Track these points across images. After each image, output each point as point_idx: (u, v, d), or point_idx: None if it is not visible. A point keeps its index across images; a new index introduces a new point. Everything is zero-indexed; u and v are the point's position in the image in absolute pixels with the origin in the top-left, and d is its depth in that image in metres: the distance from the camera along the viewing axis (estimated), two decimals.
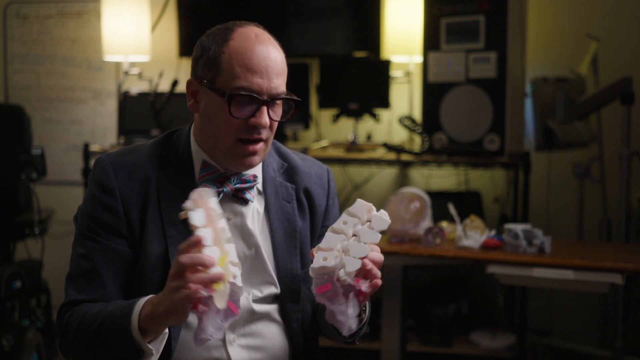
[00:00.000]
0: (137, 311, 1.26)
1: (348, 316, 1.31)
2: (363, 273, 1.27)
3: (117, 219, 1.39)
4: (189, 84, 1.43)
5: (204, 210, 1.23)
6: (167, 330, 1.29)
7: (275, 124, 1.41)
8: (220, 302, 1.18)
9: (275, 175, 1.51)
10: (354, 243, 1.29)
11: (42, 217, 3.13)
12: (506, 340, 3.25)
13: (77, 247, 1.41)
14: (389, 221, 1.31)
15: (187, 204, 1.23)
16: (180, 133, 1.49)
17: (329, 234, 1.31)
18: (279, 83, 1.38)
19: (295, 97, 1.42)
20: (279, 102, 1.40)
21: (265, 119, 1.36)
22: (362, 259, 1.27)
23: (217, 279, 1.17)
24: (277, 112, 1.40)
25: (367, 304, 1.44)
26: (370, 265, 1.27)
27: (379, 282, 1.29)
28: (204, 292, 1.16)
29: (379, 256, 1.30)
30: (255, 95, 1.35)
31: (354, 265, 1.26)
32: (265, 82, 1.36)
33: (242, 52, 1.36)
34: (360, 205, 1.33)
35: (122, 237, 1.39)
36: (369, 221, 1.32)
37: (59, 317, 1.39)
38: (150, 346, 1.26)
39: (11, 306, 2.78)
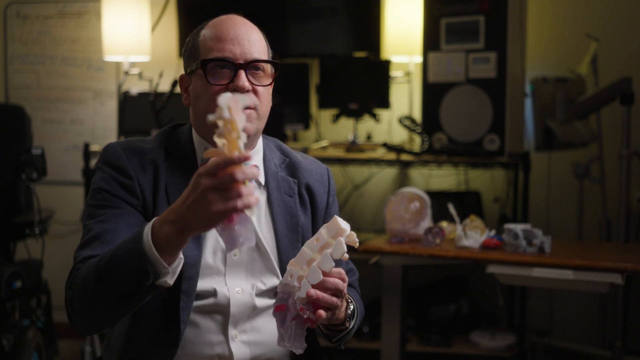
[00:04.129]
0: (147, 229, 1.20)
1: (285, 346, 1.29)
2: (306, 301, 1.26)
3: (135, 198, 1.39)
4: (180, 80, 1.49)
5: (237, 118, 1.12)
6: (182, 255, 1.23)
7: (263, 91, 1.42)
8: (251, 212, 1.13)
9: (277, 170, 1.53)
10: (313, 267, 1.26)
11: (43, 217, 3.12)
12: (506, 340, 3.25)
13: (90, 219, 1.38)
14: (345, 250, 1.26)
15: (224, 112, 1.11)
16: (183, 127, 1.52)
17: (303, 249, 1.30)
18: (254, 49, 1.41)
19: (273, 60, 1.44)
20: (261, 69, 1.42)
21: (244, 82, 1.38)
22: (312, 285, 1.25)
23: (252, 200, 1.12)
24: (261, 78, 1.42)
25: (356, 310, 1.46)
26: (315, 295, 1.25)
27: (323, 313, 1.26)
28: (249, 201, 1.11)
29: (333, 283, 1.27)
30: (228, 59, 1.38)
31: (304, 292, 1.25)
32: (237, 48, 1.40)
33: (213, 28, 1.43)
34: (332, 225, 1.29)
35: (138, 210, 1.39)
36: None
37: (69, 278, 1.33)
38: (165, 264, 1.19)
39: (11, 306, 2.77)
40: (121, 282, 1.22)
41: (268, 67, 1.43)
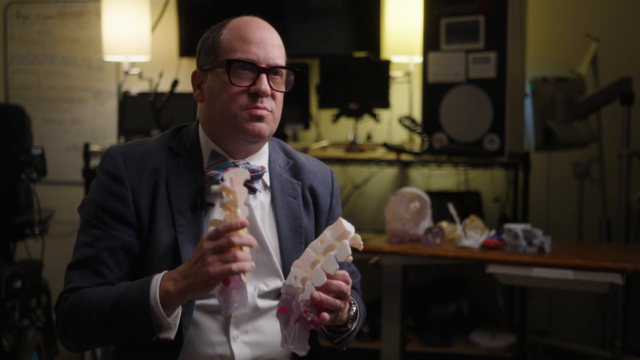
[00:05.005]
0: (155, 286, 1.27)
1: (288, 348, 1.31)
2: (310, 303, 1.27)
3: (126, 207, 1.40)
4: (193, 76, 1.49)
5: (237, 189, 1.25)
6: (180, 308, 1.31)
7: (279, 97, 1.45)
8: (247, 278, 1.24)
9: (282, 171, 1.54)
10: (317, 269, 1.27)
11: (43, 217, 3.12)
12: (506, 340, 3.25)
13: (81, 236, 1.41)
14: (350, 253, 1.28)
15: (226, 182, 1.25)
16: (188, 128, 1.52)
17: (307, 250, 1.31)
18: (276, 55, 1.43)
19: (295, 68, 1.46)
20: (279, 74, 1.44)
21: (266, 86, 1.40)
22: (316, 288, 1.26)
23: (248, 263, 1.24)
24: (279, 84, 1.45)
25: (359, 312, 1.46)
26: (319, 298, 1.26)
27: (326, 316, 1.28)
28: (244, 266, 1.22)
29: (337, 285, 1.29)
30: (252, 62, 1.40)
31: (308, 294, 1.26)
32: (262, 52, 1.41)
33: (238, 29, 1.43)
34: (336, 227, 1.30)
35: (129, 226, 1.40)
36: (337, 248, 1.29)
37: (58, 304, 1.38)
38: (169, 321, 1.28)
39: (11, 306, 2.77)
40: (125, 330, 1.30)
41: (284, 73, 1.46)
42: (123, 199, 1.40)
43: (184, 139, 1.48)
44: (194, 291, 1.26)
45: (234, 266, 1.21)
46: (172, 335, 1.30)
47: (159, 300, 1.26)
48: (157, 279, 1.28)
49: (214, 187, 1.27)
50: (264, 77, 1.40)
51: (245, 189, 1.26)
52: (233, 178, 1.24)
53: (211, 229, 1.24)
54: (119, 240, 1.39)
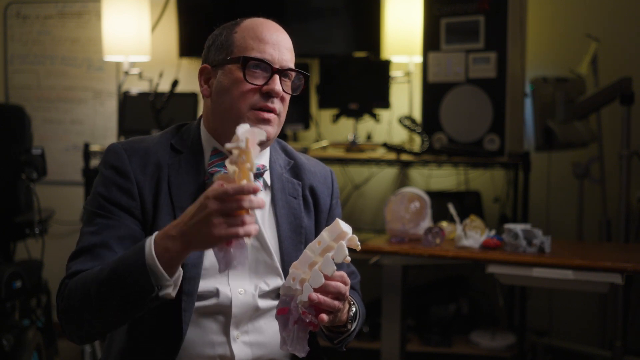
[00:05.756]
0: (149, 243, 1.23)
1: (287, 350, 1.30)
2: (308, 305, 1.27)
3: (132, 200, 1.39)
4: (201, 71, 1.48)
5: (252, 150, 1.16)
6: (181, 269, 1.26)
7: (287, 99, 1.46)
8: (249, 238, 1.19)
9: (282, 171, 1.54)
10: (315, 271, 1.27)
11: (43, 217, 3.12)
12: (506, 340, 3.25)
13: (86, 227, 1.39)
14: (347, 253, 1.27)
15: (241, 143, 1.15)
16: (189, 126, 1.52)
17: (305, 252, 1.30)
18: (288, 58, 1.44)
19: (305, 72, 1.47)
20: (289, 77, 1.45)
21: (279, 86, 1.41)
22: (314, 289, 1.26)
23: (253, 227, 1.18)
24: (287, 87, 1.45)
25: (358, 312, 1.46)
26: (317, 299, 1.26)
27: (325, 317, 1.27)
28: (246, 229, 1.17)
29: (335, 286, 1.28)
30: (268, 62, 1.40)
31: (306, 295, 1.25)
32: (276, 53, 1.42)
33: (254, 28, 1.44)
34: (334, 228, 1.29)
35: (135, 217, 1.39)
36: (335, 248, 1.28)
37: (59, 292, 1.35)
38: (167, 276, 1.22)
39: (11, 306, 2.77)
40: (124, 294, 1.25)
41: (293, 76, 1.47)
42: (129, 193, 1.39)
43: (186, 136, 1.49)
44: (194, 248, 1.22)
45: (241, 230, 1.16)
46: (172, 293, 1.25)
47: (155, 256, 1.21)
48: (151, 237, 1.24)
49: (227, 145, 1.16)
50: (277, 77, 1.41)
51: (258, 148, 1.18)
52: (249, 138, 1.16)
53: (217, 183, 1.17)
54: (127, 229, 1.37)
